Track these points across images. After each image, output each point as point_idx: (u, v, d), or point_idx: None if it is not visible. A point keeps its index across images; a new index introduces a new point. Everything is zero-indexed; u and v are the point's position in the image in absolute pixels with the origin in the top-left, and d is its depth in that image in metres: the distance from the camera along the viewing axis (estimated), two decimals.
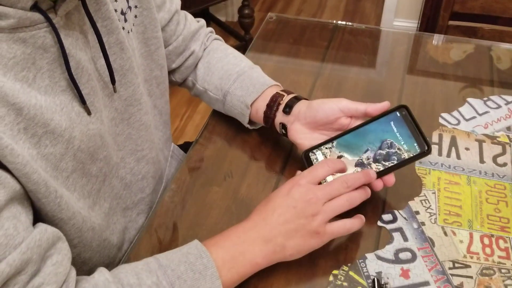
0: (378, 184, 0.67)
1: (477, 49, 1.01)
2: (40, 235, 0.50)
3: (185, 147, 0.93)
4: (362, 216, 0.65)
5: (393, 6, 2.61)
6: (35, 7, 0.50)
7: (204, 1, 2.17)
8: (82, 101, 0.58)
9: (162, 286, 0.54)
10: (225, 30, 2.62)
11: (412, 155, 0.67)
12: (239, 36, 2.57)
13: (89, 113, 0.59)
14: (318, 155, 0.70)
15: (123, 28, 0.66)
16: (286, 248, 0.61)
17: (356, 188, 0.65)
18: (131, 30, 0.69)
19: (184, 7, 0.89)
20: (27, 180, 0.50)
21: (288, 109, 0.76)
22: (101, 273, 0.55)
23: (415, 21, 2.57)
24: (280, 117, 0.77)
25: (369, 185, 0.66)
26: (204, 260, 0.57)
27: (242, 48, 2.40)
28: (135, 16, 0.70)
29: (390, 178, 0.67)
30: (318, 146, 0.71)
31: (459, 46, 1.02)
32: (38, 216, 0.56)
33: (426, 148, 0.66)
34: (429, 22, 1.97)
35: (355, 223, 0.64)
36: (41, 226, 0.52)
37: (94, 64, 0.61)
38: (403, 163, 0.67)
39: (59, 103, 0.55)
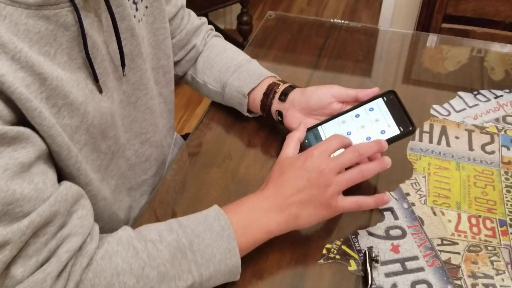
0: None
1: (471, 59, 1.05)
2: (66, 190, 0.55)
3: (186, 137, 0.96)
4: (383, 196, 0.65)
5: (389, 16, 2.66)
6: None
7: (203, 7, 2.22)
8: (96, 79, 0.61)
9: (181, 243, 0.58)
10: (224, 37, 2.66)
11: (397, 133, 0.70)
12: (238, 43, 2.61)
13: (100, 91, 0.63)
14: (309, 136, 0.74)
15: (134, 17, 0.70)
16: (299, 218, 0.63)
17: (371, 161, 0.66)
18: (141, 19, 0.72)
19: None
20: (51, 141, 0.55)
21: (283, 96, 0.79)
22: (124, 230, 0.59)
23: (410, 31, 2.62)
24: (276, 105, 0.80)
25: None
26: (222, 222, 0.60)
27: None
28: (146, 7, 0.73)
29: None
30: (310, 129, 0.74)
31: (453, 56, 1.06)
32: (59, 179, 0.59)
33: (410, 127, 0.69)
34: (424, 30, 2.02)
35: (368, 201, 0.65)
36: (66, 183, 0.56)
37: (107, 48, 0.64)
38: (389, 140, 0.69)
39: (75, 79, 0.59)
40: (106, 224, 0.69)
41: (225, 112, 0.89)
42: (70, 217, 0.55)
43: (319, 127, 0.75)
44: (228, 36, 2.67)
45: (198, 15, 0.93)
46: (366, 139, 0.71)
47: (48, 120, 0.53)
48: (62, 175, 0.59)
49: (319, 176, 0.63)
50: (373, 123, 0.72)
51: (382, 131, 0.71)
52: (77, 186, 0.57)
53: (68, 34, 0.57)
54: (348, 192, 0.64)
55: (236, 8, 2.62)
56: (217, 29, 2.73)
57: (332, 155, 0.65)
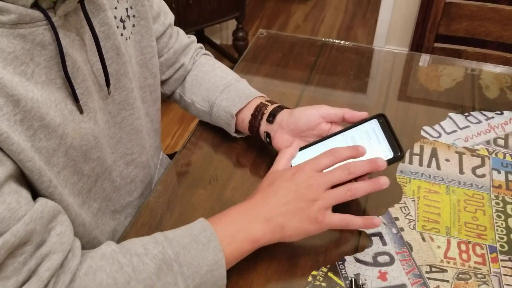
0: None
1: (466, 76, 1.04)
2: (41, 207, 0.53)
3: (173, 156, 0.95)
4: (372, 218, 0.64)
5: (384, 33, 2.67)
6: (35, 5, 0.53)
7: (198, 23, 2.22)
8: (76, 99, 0.60)
9: (167, 255, 0.57)
10: (219, 52, 2.67)
11: (385, 159, 0.68)
12: (233, 58, 2.61)
13: (81, 111, 0.61)
14: (296, 157, 0.73)
15: (122, 35, 0.69)
16: (285, 229, 0.62)
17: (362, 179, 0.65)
18: (129, 38, 0.71)
19: (179, 28, 0.92)
20: (21, 165, 0.53)
21: (271, 118, 0.78)
22: (108, 245, 0.58)
23: (405, 48, 2.63)
24: (264, 126, 0.79)
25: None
26: (208, 233, 0.59)
27: None
28: (133, 25, 0.73)
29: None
30: (299, 149, 0.73)
31: (448, 73, 1.05)
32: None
33: (399, 153, 0.67)
34: (418, 48, 2.03)
35: (356, 220, 0.64)
36: (42, 200, 0.55)
37: (91, 67, 0.63)
38: None
39: (53, 100, 0.57)
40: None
41: (212, 131, 0.88)
42: (48, 234, 0.54)
43: (308, 149, 0.73)
44: (224, 51, 2.67)
45: (194, 30, 0.93)
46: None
47: (16, 146, 0.51)
48: (35, 197, 0.57)
49: (307, 190, 0.63)
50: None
51: (370, 156, 0.69)
52: (53, 202, 0.56)
53: (45, 53, 0.55)
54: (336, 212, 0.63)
55: (232, 24, 2.62)
56: (213, 44, 2.73)
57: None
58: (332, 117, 0.74)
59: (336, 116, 0.74)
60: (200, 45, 0.95)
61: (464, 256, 0.67)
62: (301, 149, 0.74)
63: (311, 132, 0.75)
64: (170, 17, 0.86)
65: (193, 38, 0.93)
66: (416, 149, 0.84)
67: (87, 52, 0.62)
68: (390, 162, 0.68)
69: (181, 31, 0.92)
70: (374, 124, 0.71)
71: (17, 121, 0.52)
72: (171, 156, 0.97)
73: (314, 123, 0.74)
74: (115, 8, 0.68)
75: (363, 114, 0.72)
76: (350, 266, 0.66)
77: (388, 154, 0.68)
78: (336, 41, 1.15)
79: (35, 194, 0.57)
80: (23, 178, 0.55)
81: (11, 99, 0.51)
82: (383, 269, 0.65)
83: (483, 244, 0.69)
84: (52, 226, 0.54)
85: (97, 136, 0.65)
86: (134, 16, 0.72)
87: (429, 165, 0.81)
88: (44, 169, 0.56)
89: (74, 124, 0.60)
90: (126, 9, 0.70)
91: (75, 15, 0.59)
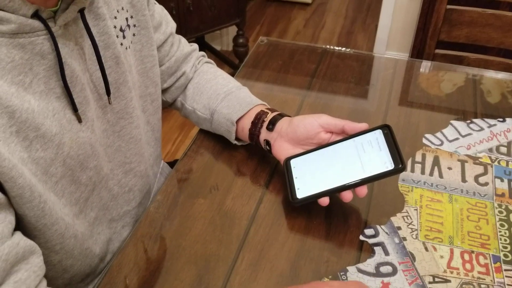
0: (348, 196, 0.68)
1: (467, 81, 1.04)
2: (9, 248, 0.50)
3: (174, 164, 0.95)
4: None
5: (385, 38, 2.67)
6: (35, 15, 0.53)
7: (199, 30, 2.22)
8: (74, 108, 0.59)
9: None
10: (220, 59, 2.67)
11: (386, 170, 0.68)
12: (234, 64, 2.61)
13: (80, 120, 0.61)
14: (297, 163, 0.72)
15: (121, 44, 0.68)
16: None
17: None
18: (129, 47, 0.71)
19: (180, 34, 0.92)
20: (12, 184, 0.51)
21: (271, 126, 0.77)
22: None
23: (406, 54, 2.63)
24: (264, 134, 0.79)
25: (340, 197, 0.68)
26: None
27: None
28: (133, 35, 0.72)
29: (362, 189, 0.68)
30: (299, 155, 0.73)
31: (449, 79, 1.05)
32: (21, 223, 0.56)
33: (400, 165, 0.67)
34: (419, 54, 2.02)
35: None
36: (14, 239, 0.51)
37: (90, 76, 0.63)
38: (377, 176, 0.68)
39: (51, 109, 0.57)
40: (78, 261, 0.67)
41: (213, 139, 0.87)
42: (7, 278, 0.50)
43: (307, 155, 0.73)
44: (224, 57, 2.67)
45: (194, 37, 0.93)
46: (353, 172, 0.69)
47: (8, 162, 0.50)
48: (25, 219, 0.56)
49: None
50: (363, 157, 0.70)
51: (370, 166, 0.69)
52: (28, 241, 0.52)
53: (45, 63, 0.55)
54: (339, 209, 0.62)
55: (233, 30, 2.62)
56: (214, 50, 2.73)
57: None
58: (332, 128, 0.73)
59: (336, 127, 0.73)
60: (202, 53, 0.95)
61: (468, 266, 0.67)
62: (300, 154, 0.73)
63: (310, 141, 0.74)
64: (171, 25, 0.86)
65: (195, 46, 0.93)
66: (418, 157, 0.83)
67: (86, 61, 0.62)
68: (390, 173, 0.67)
69: (183, 39, 0.92)
70: (378, 134, 0.71)
71: (13, 132, 0.52)
72: (171, 164, 0.97)
73: (313, 132, 0.73)
74: (115, 17, 0.68)
75: (363, 126, 0.71)
76: (353, 276, 0.65)
77: (389, 165, 0.67)
78: (337, 48, 1.14)
79: (26, 217, 0.55)
80: (5, 210, 0.52)
81: (6, 110, 0.51)
82: (386, 279, 0.64)
83: (487, 253, 0.68)
84: (16, 270, 0.51)
85: (94, 144, 0.64)
86: (134, 25, 0.72)
87: (431, 174, 0.80)
88: (34, 185, 0.54)
89: (72, 134, 0.60)
90: (126, 19, 0.70)
91: (75, 25, 0.59)
